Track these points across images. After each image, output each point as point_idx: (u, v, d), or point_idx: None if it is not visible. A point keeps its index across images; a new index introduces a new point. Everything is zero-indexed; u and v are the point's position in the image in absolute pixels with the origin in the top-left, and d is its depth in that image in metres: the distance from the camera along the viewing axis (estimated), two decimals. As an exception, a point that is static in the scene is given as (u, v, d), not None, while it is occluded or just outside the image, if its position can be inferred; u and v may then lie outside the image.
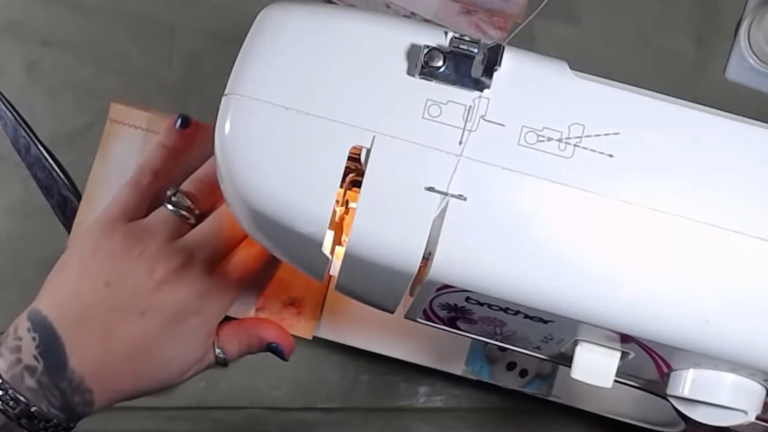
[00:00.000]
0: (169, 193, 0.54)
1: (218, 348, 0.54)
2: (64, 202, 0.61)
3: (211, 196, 0.54)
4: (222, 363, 0.55)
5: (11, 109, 0.61)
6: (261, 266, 0.55)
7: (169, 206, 0.53)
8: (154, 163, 0.55)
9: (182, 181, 0.55)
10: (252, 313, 0.57)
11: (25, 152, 0.61)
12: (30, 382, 0.49)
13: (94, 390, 0.50)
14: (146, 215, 0.54)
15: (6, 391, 0.48)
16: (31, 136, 0.61)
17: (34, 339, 0.49)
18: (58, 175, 0.61)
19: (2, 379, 0.49)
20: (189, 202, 0.53)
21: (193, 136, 0.56)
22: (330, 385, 0.63)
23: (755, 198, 0.38)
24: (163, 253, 0.52)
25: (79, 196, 0.60)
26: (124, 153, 0.58)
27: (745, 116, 0.40)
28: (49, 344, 0.49)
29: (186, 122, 0.55)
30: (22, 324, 0.50)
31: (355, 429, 0.64)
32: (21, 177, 0.62)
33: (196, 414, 0.63)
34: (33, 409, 0.49)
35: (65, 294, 0.51)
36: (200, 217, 0.54)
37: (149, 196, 0.54)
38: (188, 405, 0.62)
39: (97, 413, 0.52)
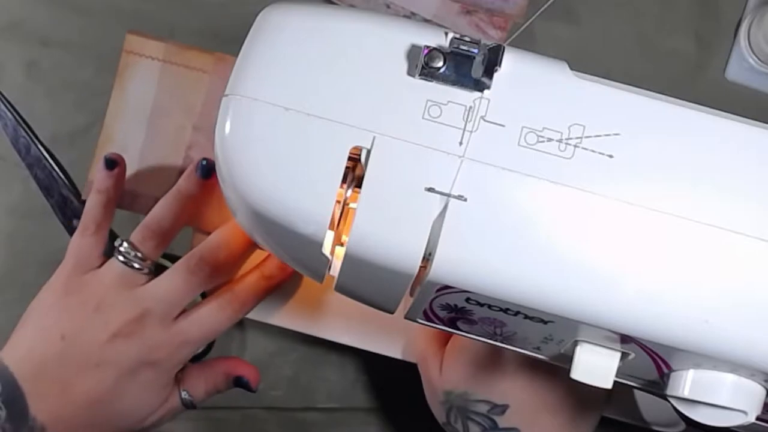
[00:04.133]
0: (116, 243, 0.53)
1: (184, 390, 0.55)
2: (64, 202, 0.61)
3: (160, 243, 0.54)
4: (189, 405, 0.55)
5: (11, 109, 0.61)
6: (222, 325, 0.54)
7: (120, 257, 0.53)
8: (92, 212, 0.54)
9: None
10: None
11: (25, 152, 0.61)
12: None
13: None
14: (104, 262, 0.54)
15: None
16: (31, 136, 0.61)
17: None
18: (58, 175, 0.61)
19: None
20: (135, 252, 0.53)
21: (123, 177, 0.55)
22: (330, 384, 0.63)
23: (755, 198, 0.38)
24: (118, 305, 0.52)
25: (79, 196, 0.60)
26: (141, 84, 0.57)
27: (745, 116, 0.40)
28: (11, 393, 0.51)
29: (111, 164, 0.54)
30: None
31: (355, 429, 0.64)
32: (21, 177, 0.62)
33: (196, 414, 0.62)
34: None
35: (24, 347, 0.52)
36: (158, 265, 0.54)
37: (100, 244, 0.54)
38: (188, 405, 0.62)
39: None
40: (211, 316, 0.53)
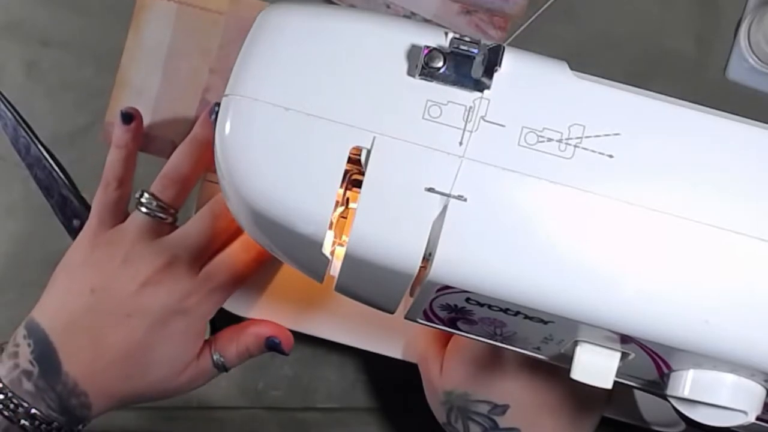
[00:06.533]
0: (136, 195, 0.53)
1: (216, 352, 0.54)
2: (64, 202, 0.61)
3: (181, 190, 0.54)
4: (221, 368, 0.55)
5: (11, 109, 0.61)
6: (250, 268, 0.54)
7: (142, 209, 0.53)
8: (113, 167, 0.54)
9: None
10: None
11: (25, 152, 0.61)
12: (28, 385, 0.50)
13: (89, 393, 0.51)
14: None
15: (6, 394, 0.50)
16: (31, 136, 0.61)
17: (29, 345, 0.51)
18: (58, 175, 0.61)
19: (2, 383, 0.50)
20: (157, 202, 0.53)
21: (140, 130, 0.55)
22: (330, 384, 0.63)
23: (755, 198, 0.38)
24: (145, 255, 0.52)
25: (79, 196, 0.61)
26: (156, 26, 0.57)
27: (745, 116, 0.40)
28: (43, 349, 0.51)
29: (127, 118, 0.54)
30: (20, 332, 0.52)
31: (355, 429, 0.64)
32: (21, 177, 0.62)
33: (196, 414, 0.63)
34: (33, 411, 0.50)
35: (55, 303, 0.52)
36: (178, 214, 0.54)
37: (123, 199, 0.54)
38: (188, 405, 0.62)
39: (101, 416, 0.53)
40: (237, 258, 0.53)
